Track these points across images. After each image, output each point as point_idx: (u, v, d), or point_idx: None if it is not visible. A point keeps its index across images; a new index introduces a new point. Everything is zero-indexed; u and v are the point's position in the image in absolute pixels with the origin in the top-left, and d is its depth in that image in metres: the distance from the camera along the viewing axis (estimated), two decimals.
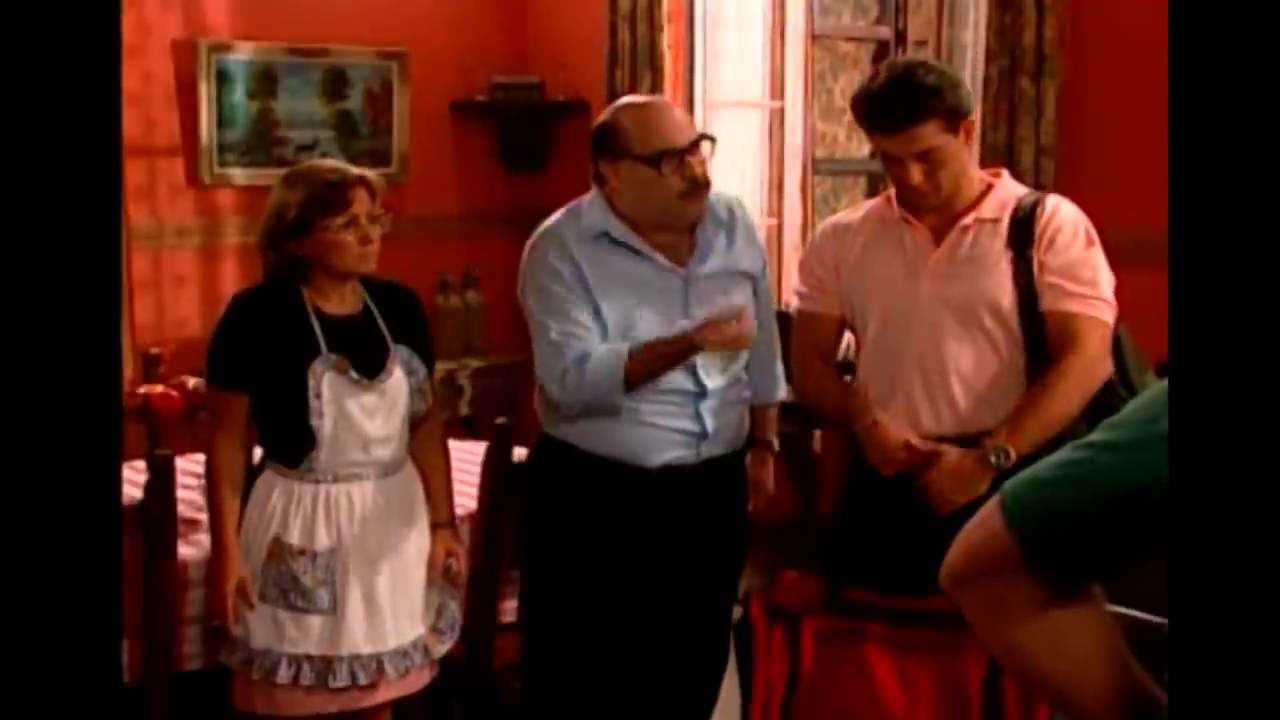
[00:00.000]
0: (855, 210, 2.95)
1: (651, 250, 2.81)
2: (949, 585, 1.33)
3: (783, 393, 3.14)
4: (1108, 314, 2.66)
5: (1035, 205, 2.69)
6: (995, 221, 2.69)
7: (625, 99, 2.99)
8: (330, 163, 2.94)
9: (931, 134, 2.61)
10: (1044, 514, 1.26)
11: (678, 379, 2.81)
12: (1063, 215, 2.68)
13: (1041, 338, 2.65)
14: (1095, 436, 1.26)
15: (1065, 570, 1.27)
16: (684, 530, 2.89)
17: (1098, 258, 2.67)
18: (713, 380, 2.84)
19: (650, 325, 2.78)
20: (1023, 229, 2.66)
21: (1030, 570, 1.26)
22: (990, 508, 1.29)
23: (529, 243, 2.89)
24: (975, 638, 2.40)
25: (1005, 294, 2.65)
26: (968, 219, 2.70)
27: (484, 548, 3.23)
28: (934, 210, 2.72)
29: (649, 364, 2.76)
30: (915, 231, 2.74)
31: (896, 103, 2.61)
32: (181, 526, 3.00)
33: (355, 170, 2.85)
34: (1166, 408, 1.17)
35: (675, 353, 2.75)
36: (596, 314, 2.79)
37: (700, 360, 2.81)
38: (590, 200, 2.87)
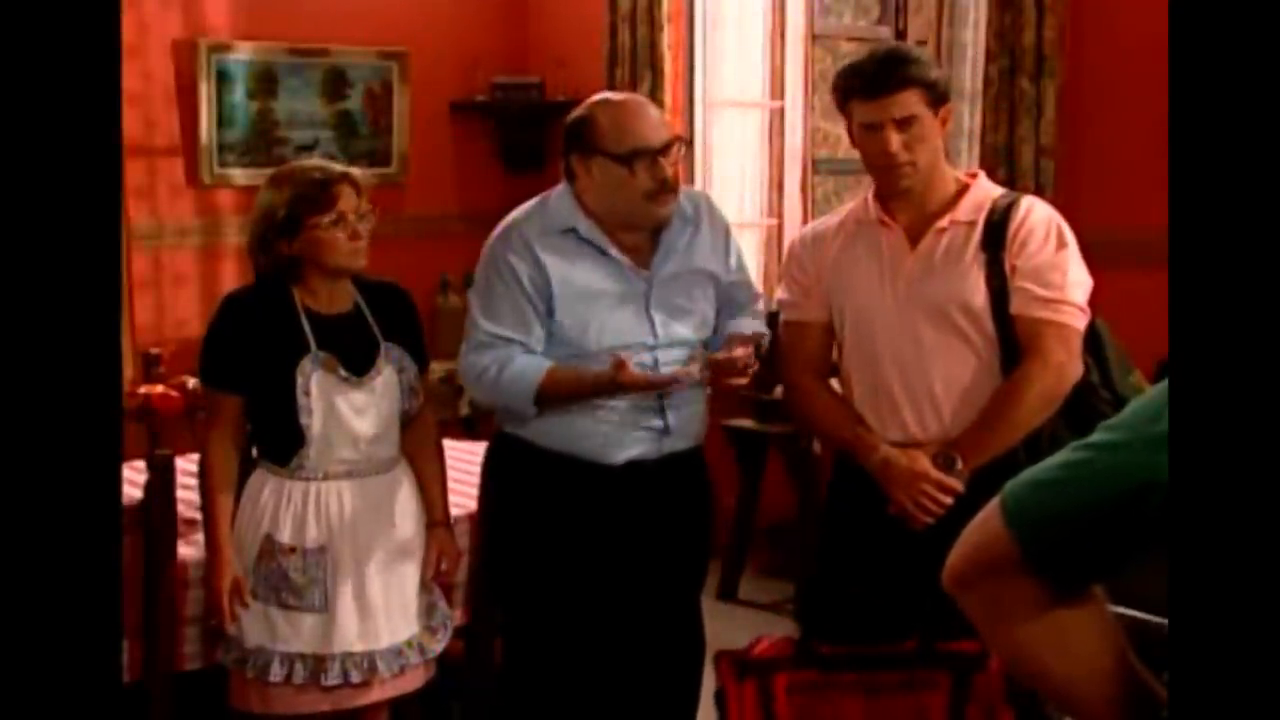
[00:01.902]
0: (832, 215, 2.93)
1: (617, 251, 2.81)
2: (951, 586, 1.33)
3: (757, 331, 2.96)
4: (1076, 319, 2.65)
5: (1009, 207, 2.69)
6: (971, 224, 2.69)
7: (602, 95, 2.96)
8: (315, 161, 2.95)
9: (913, 102, 2.64)
10: (1043, 515, 1.26)
11: None
12: (1035, 217, 2.68)
13: (1015, 339, 2.65)
14: (1095, 437, 1.26)
15: (1065, 571, 1.27)
16: (648, 526, 2.88)
17: (1069, 260, 2.66)
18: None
19: (607, 324, 2.78)
20: (996, 231, 2.66)
21: (1030, 571, 1.26)
22: (991, 508, 1.30)
23: (494, 232, 2.89)
24: (935, 673, 2.44)
25: (978, 296, 2.65)
26: (943, 221, 2.70)
27: (484, 543, 3.22)
28: (907, 194, 2.71)
29: (566, 389, 2.77)
30: (891, 233, 2.73)
31: (882, 66, 2.66)
32: (181, 526, 3.00)
33: (340, 168, 2.87)
34: (1167, 408, 1.18)
35: (598, 388, 2.75)
36: (546, 316, 2.78)
37: (662, 355, 2.81)
38: (559, 194, 2.86)
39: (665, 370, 2.80)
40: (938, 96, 2.68)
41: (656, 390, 2.77)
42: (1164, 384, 1.21)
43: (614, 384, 2.72)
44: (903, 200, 2.73)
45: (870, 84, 2.66)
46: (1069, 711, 1.37)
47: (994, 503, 1.30)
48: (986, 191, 2.75)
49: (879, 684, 2.53)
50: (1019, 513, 1.27)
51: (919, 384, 2.69)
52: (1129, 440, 1.22)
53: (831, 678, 2.55)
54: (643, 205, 2.77)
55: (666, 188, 2.77)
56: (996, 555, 1.28)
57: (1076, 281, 2.66)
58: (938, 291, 2.67)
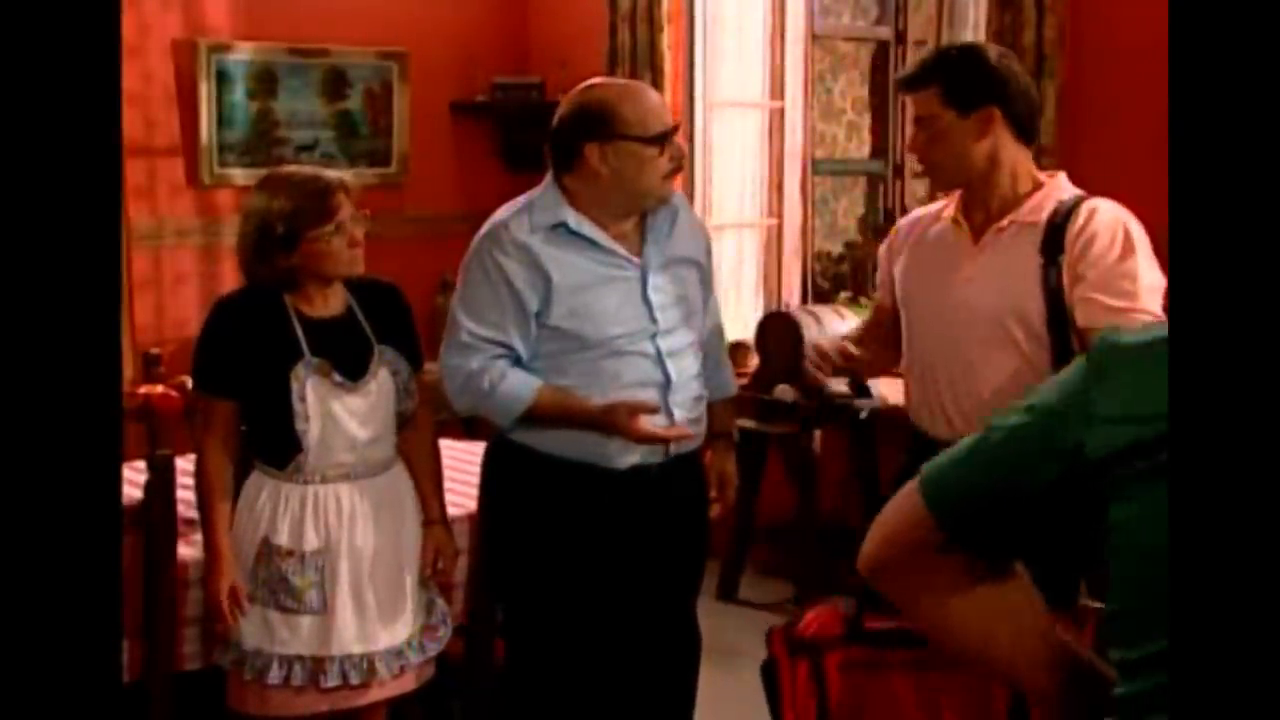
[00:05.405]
0: (942, 201, 2.88)
1: (609, 240, 2.81)
2: (867, 570, 1.37)
3: (735, 387, 3.18)
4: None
5: (1073, 209, 2.59)
6: (1032, 224, 2.61)
7: (595, 81, 2.96)
8: (307, 170, 2.92)
9: (928, 102, 2.63)
10: (954, 490, 1.31)
11: (644, 369, 2.80)
12: (1098, 221, 2.56)
13: (1069, 346, 2.56)
14: (1002, 414, 1.31)
15: (981, 545, 1.31)
16: (650, 530, 2.88)
17: (1137, 266, 2.52)
18: (678, 370, 2.83)
19: (607, 314, 2.78)
20: (1056, 234, 2.57)
21: (951, 546, 1.31)
22: (909, 488, 1.34)
23: (479, 232, 2.87)
24: None
25: (1033, 300, 2.57)
26: (1004, 221, 2.64)
27: (484, 547, 3.22)
28: (969, 193, 2.70)
29: (554, 414, 2.78)
30: (959, 231, 2.71)
31: (917, 63, 2.71)
32: (181, 526, 3.00)
33: (335, 174, 2.86)
34: (1059, 386, 1.25)
35: (584, 419, 2.76)
36: (538, 315, 2.77)
37: (664, 345, 2.81)
38: (544, 191, 2.86)
39: (668, 360, 2.81)
40: (964, 98, 2.60)
41: (661, 443, 2.80)
42: (1075, 362, 1.27)
43: (611, 427, 2.74)
44: (971, 198, 2.71)
45: (901, 81, 2.75)
46: (1002, 677, 1.41)
47: (910, 485, 1.34)
48: (1058, 192, 2.65)
49: (933, 663, 2.51)
50: (935, 491, 1.31)
51: (964, 387, 2.66)
52: (1023, 420, 1.27)
53: (882, 655, 2.54)
54: (659, 185, 2.80)
55: (681, 166, 2.89)
56: (916, 534, 1.32)
57: (1149, 286, 2.52)
58: (993, 295, 2.61)
